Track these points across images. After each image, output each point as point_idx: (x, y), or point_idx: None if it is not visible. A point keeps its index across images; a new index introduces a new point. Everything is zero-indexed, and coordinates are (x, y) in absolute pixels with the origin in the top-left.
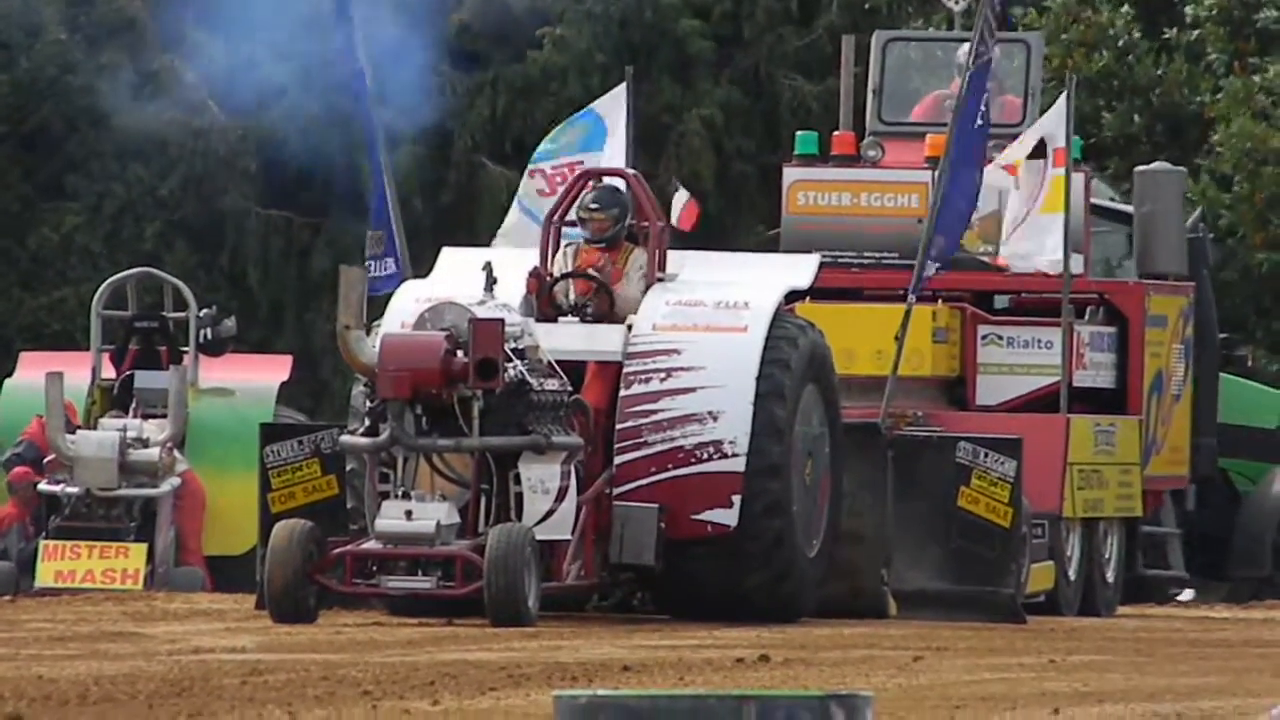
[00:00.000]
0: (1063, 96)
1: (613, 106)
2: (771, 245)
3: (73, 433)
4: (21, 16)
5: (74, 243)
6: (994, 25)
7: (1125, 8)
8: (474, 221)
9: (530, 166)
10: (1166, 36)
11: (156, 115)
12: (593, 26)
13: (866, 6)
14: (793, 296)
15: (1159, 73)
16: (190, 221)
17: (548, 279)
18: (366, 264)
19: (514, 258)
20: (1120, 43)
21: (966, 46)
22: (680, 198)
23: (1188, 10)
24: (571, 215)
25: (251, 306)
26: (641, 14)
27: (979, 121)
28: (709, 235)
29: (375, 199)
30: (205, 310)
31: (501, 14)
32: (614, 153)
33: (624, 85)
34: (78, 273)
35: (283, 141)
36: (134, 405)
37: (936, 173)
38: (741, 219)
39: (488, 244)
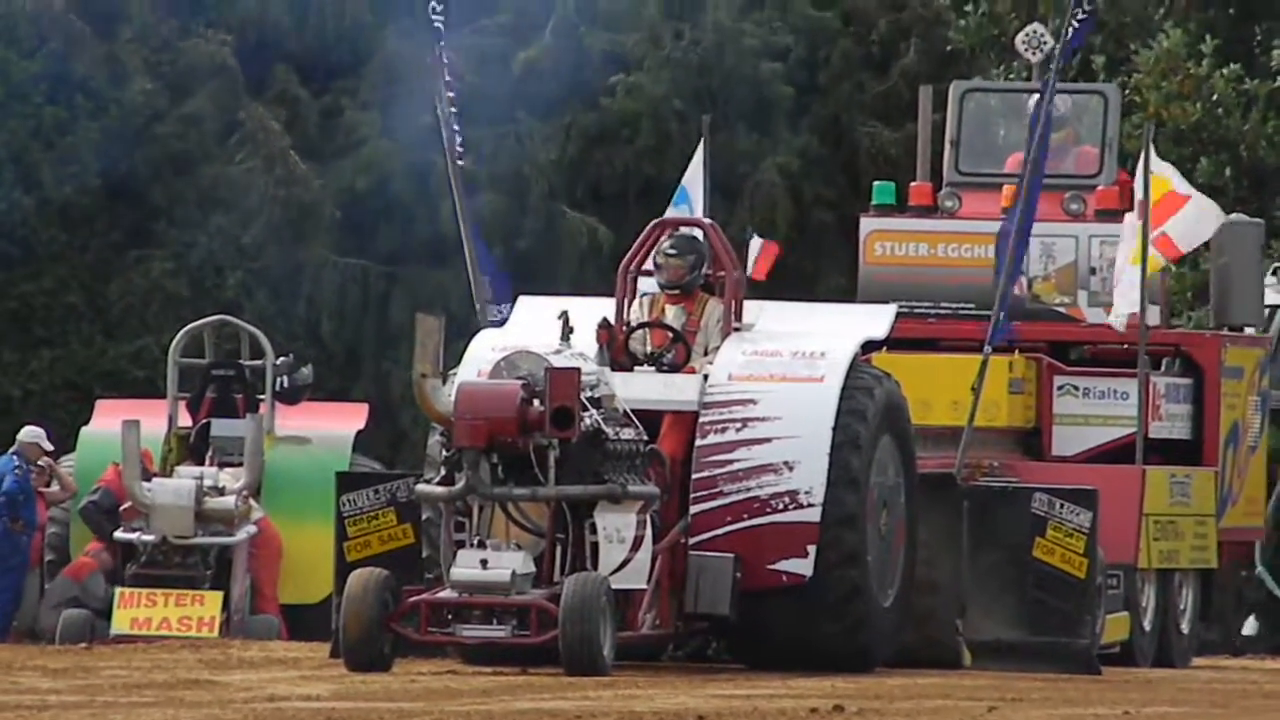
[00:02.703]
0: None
1: (693, 168)
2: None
3: (149, 480)
4: (108, 65)
5: (159, 291)
6: (1059, 77)
7: (1230, 66)
8: (552, 268)
9: None
10: (1247, 87)
11: (239, 164)
12: (671, 72)
13: (948, 49)
14: (869, 347)
15: (1245, 126)
16: (270, 270)
17: (622, 329)
18: (493, 308)
19: (591, 307)
20: (1214, 96)
21: (1036, 98)
22: (755, 245)
23: (1275, 54)
24: (648, 265)
25: (329, 355)
26: (721, 59)
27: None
28: (787, 284)
29: (478, 244)
30: (282, 358)
31: (578, 59)
32: (692, 202)
33: (702, 143)
34: (159, 321)
35: (361, 190)
36: (210, 453)
37: (1011, 225)
38: (823, 267)
39: (566, 291)
